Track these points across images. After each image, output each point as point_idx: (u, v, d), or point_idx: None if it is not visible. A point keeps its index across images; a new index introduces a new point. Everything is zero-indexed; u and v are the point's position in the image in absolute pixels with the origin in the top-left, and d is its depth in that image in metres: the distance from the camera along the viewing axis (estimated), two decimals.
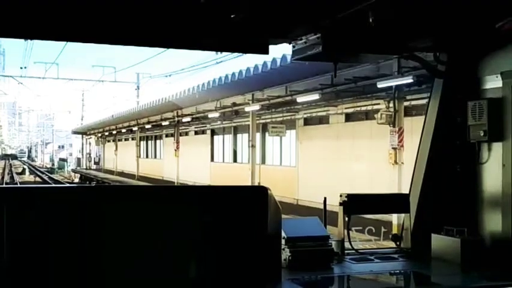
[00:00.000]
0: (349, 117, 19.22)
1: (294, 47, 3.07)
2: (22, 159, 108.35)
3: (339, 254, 3.69)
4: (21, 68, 48.00)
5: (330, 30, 2.86)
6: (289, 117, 22.26)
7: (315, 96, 16.64)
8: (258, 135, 23.79)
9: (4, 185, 24.25)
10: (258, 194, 1.95)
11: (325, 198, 3.80)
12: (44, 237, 1.62)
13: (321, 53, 2.90)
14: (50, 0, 2.22)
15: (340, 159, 19.19)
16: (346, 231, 3.82)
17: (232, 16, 2.59)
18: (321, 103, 18.63)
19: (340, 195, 3.80)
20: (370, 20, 2.70)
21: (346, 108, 18.90)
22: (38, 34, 2.53)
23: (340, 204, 3.81)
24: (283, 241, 2.89)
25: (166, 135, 37.47)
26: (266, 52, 2.84)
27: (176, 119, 30.10)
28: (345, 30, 2.90)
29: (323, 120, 20.69)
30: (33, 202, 1.65)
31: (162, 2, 2.44)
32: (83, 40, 2.55)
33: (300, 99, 17.56)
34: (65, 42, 20.11)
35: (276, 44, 2.90)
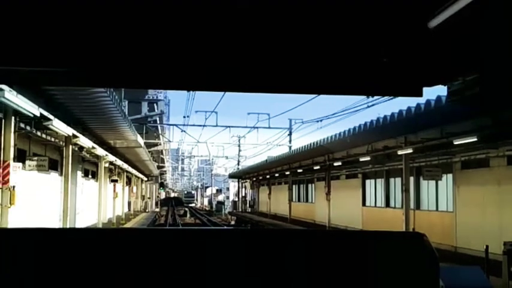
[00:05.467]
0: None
1: (449, 88, 2.98)
2: (190, 205, 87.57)
3: None
4: (184, 117, 51.65)
5: (490, 69, 2.74)
6: (445, 160, 21.29)
7: (473, 139, 15.81)
8: (412, 179, 23.00)
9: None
10: (412, 240, 1.90)
11: (487, 247, 3.58)
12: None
13: (480, 93, 2.78)
14: (210, 54, 2.40)
15: (502, 205, 17.86)
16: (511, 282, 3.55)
17: (384, 60, 2.61)
18: (480, 145, 17.61)
19: (504, 244, 3.56)
20: None
21: (508, 150, 17.65)
22: (199, 85, 2.73)
23: (504, 253, 3.56)
24: None
25: (318, 179, 37.63)
26: (420, 95, 2.79)
27: (327, 163, 30.21)
28: (507, 68, 2.76)
29: (482, 163, 19.49)
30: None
31: (314, 50, 2.52)
32: (244, 90, 2.71)
33: (457, 141, 16.77)
34: (223, 92, 21.31)
35: (430, 86, 2.84)
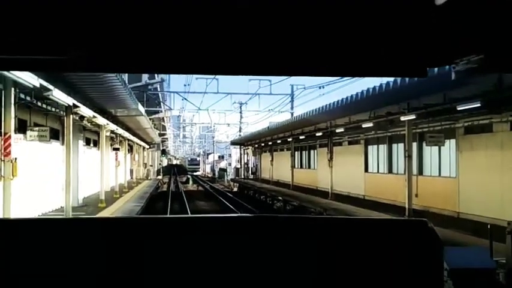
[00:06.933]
0: None
1: (454, 67, 2.89)
2: (195, 173, 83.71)
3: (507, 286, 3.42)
4: (184, 85, 51.51)
5: (494, 49, 2.65)
6: (448, 126, 21.22)
7: (476, 104, 15.69)
8: (415, 145, 22.97)
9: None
10: (417, 227, 1.87)
11: (490, 228, 3.53)
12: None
13: (483, 68, 2.70)
14: (209, 37, 2.32)
15: (505, 170, 17.86)
16: None
17: (388, 40, 2.51)
18: (483, 111, 17.50)
19: (508, 223, 3.52)
20: None
21: (511, 115, 17.56)
22: (199, 69, 2.66)
23: (508, 232, 3.52)
24: (445, 273, 2.72)
25: (320, 146, 37.65)
26: (424, 75, 2.71)
27: (329, 129, 30.15)
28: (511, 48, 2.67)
29: (485, 128, 19.42)
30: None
31: (315, 30, 2.44)
32: (245, 73, 2.64)
33: (460, 107, 16.66)
34: None
35: (434, 67, 2.76)
